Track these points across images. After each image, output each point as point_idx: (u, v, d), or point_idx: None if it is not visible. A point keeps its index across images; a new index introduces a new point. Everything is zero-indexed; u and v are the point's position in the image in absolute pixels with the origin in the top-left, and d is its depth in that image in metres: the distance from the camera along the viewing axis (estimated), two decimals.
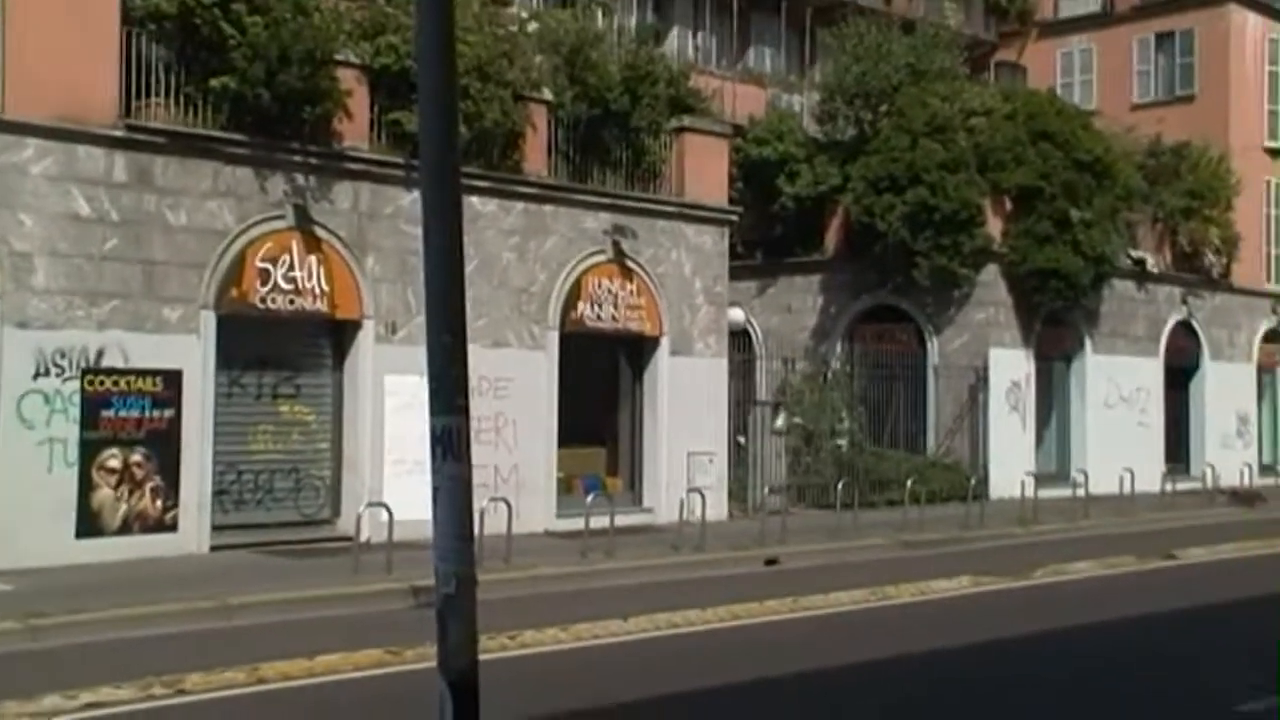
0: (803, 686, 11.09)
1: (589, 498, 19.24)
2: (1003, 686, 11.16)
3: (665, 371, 23.42)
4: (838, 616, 14.86)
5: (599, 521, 18.45)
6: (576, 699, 10.32)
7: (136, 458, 17.27)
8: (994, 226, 28.94)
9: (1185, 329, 34.53)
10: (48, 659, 11.74)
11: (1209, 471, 30.19)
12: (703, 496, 20.12)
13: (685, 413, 23.31)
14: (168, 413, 17.54)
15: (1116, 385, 32.07)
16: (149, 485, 17.37)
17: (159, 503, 17.44)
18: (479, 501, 4.20)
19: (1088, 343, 31.55)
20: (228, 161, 18.23)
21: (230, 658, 11.44)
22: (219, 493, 18.32)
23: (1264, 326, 37.14)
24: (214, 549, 17.78)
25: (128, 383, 17.24)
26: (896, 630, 13.93)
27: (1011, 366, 29.33)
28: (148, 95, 17.74)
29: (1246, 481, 31.95)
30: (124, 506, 17.16)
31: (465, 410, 3.84)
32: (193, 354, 17.80)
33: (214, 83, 17.86)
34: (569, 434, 21.98)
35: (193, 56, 18.08)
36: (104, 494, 17.00)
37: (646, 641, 13.10)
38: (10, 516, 16.05)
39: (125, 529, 17.13)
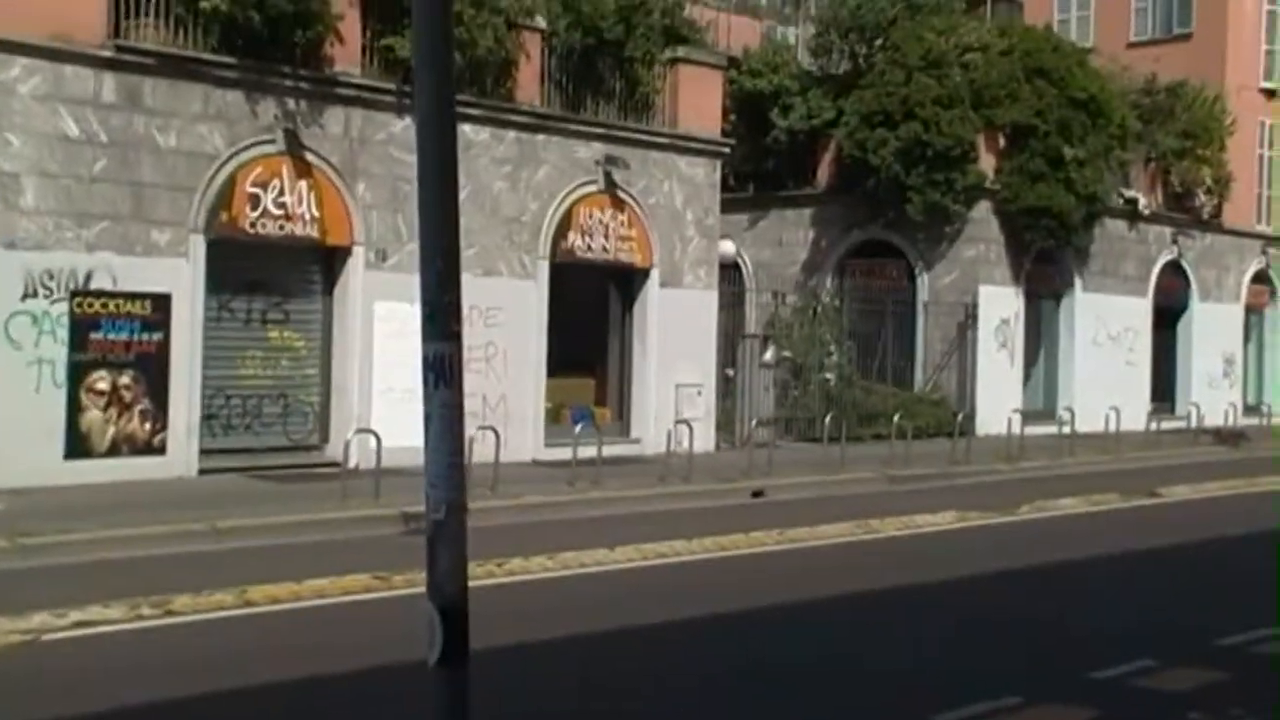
0: (788, 617, 11.19)
1: (577, 428, 19.29)
2: (989, 621, 11.27)
3: (655, 303, 23.40)
4: (823, 549, 14.98)
5: (586, 451, 18.52)
6: (563, 627, 10.40)
7: (125, 380, 17.26)
8: (987, 163, 28.85)
9: (1175, 269, 34.57)
10: (37, 577, 11.79)
11: (1194, 411, 30.33)
12: (690, 428, 20.18)
13: (674, 344, 23.32)
14: (156, 336, 17.52)
15: (1105, 324, 32.15)
16: (137, 408, 17.38)
17: (147, 425, 17.45)
18: (467, 430, 4.22)
19: (1078, 281, 31.58)
20: (218, 84, 18.08)
21: (218, 580, 11.51)
22: (207, 417, 18.33)
23: (1253, 267, 37.18)
24: (202, 472, 17.82)
25: (116, 305, 17.20)
26: (882, 564, 14.04)
27: (1001, 304, 29.36)
28: (137, 15, 17.56)
29: (1231, 421, 32.10)
30: (112, 428, 17.18)
31: (458, 337, 3.84)
32: (182, 278, 17.74)
33: (204, 4, 17.65)
34: (558, 364, 22.00)
35: None
36: (93, 415, 17.01)
37: (632, 571, 13.21)
38: None
39: (114, 451, 17.16)
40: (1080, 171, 28.85)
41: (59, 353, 16.72)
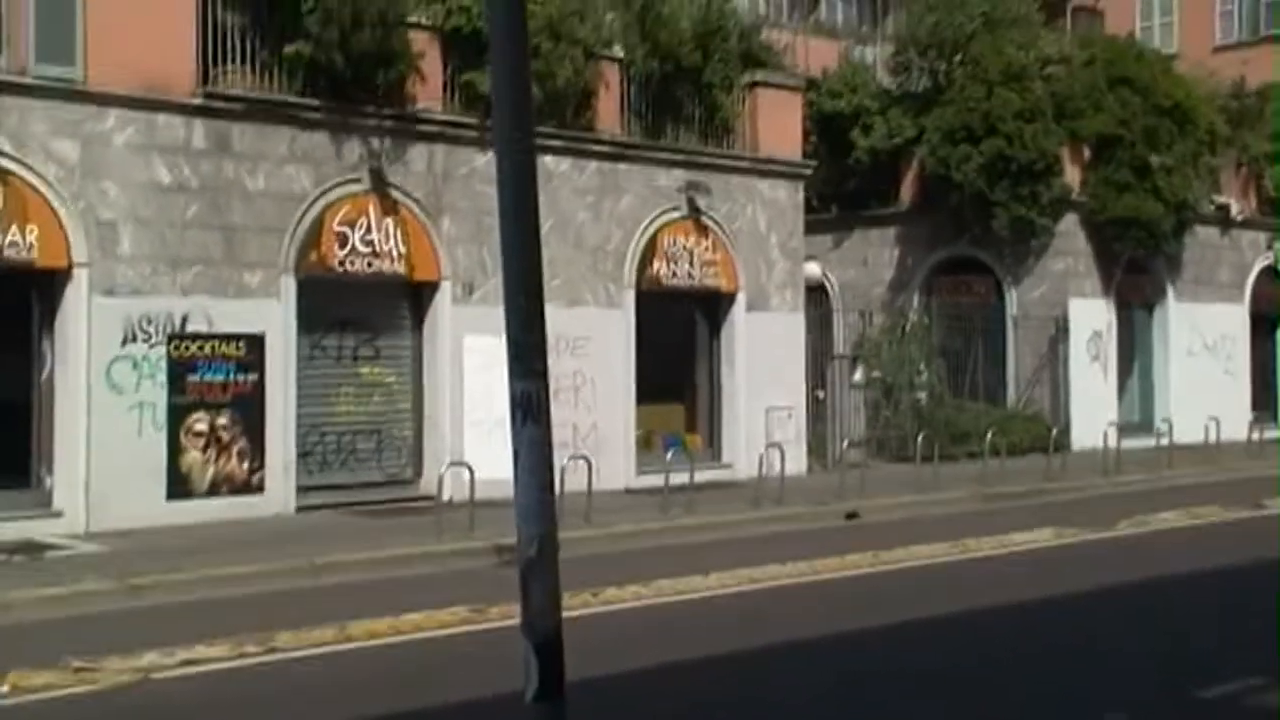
0: (885, 640, 11.12)
1: (668, 454, 19.32)
2: (1094, 639, 11.11)
3: (742, 327, 23.40)
4: (919, 570, 14.85)
5: (679, 478, 18.53)
6: (658, 655, 10.41)
7: (223, 421, 17.58)
8: (1072, 175, 28.57)
9: (1271, 274, 33.90)
10: (145, 617, 12.05)
11: None
12: (782, 451, 20.13)
13: (763, 368, 23.30)
14: (252, 376, 17.82)
15: (1200, 333, 31.61)
16: (236, 448, 17.68)
17: (246, 465, 17.75)
18: (559, 460, 4.26)
19: (1170, 290, 31.11)
20: (304, 126, 18.41)
21: (318, 616, 11.66)
22: (303, 454, 18.60)
23: None
24: (300, 509, 18.08)
25: (212, 347, 17.54)
26: (978, 584, 13.89)
27: (1092, 316, 28.99)
28: (224, 62, 17.94)
29: None
30: (212, 469, 17.49)
31: (544, 374, 3.89)
32: (274, 318, 18.05)
33: (289, 49, 18.02)
34: (647, 391, 22.05)
35: (268, 22, 18.25)
36: (193, 457, 17.33)
37: (727, 597, 13.17)
38: (104, 479, 16.43)
39: (214, 491, 17.46)
40: (1168, 179, 28.47)
41: (159, 395, 17.07)
